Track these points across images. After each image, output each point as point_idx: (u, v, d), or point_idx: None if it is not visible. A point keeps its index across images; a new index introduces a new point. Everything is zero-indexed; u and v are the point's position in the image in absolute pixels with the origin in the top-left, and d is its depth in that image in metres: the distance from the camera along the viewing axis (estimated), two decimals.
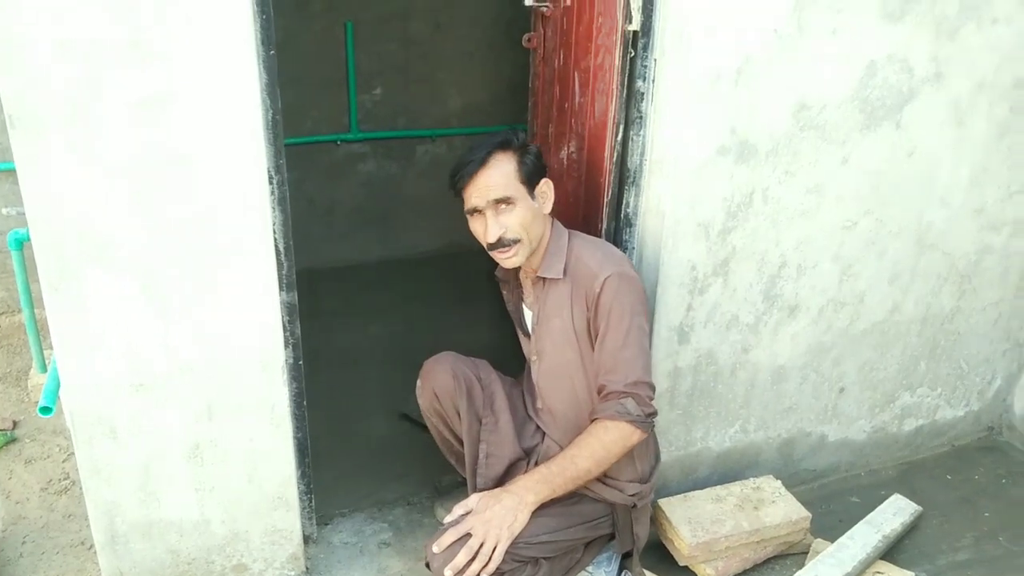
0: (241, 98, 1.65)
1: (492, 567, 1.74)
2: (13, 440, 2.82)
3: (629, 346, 1.83)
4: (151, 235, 1.68)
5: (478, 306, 3.57)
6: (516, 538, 1.79)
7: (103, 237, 1.65)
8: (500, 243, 1.88)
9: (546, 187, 1.96)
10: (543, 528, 1.86)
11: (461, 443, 2.14)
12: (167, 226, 1.69)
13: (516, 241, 1.88)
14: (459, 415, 2.11)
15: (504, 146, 1.90)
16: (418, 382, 2.19)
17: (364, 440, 2.80)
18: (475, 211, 1.90)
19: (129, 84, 1.56)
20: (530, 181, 1.91)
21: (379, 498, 2.50)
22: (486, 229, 1.89)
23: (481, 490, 2.05)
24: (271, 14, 1.69)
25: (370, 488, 2.55)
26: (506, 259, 1.91)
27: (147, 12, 1.53)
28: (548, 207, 1.98)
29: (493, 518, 1.77)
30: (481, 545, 1.74)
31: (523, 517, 1.79)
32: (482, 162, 1.87)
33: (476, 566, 1.73)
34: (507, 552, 1.77)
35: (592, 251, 1.94)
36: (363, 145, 4.14)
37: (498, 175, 1.87)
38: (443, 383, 2.11)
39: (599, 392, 1.87)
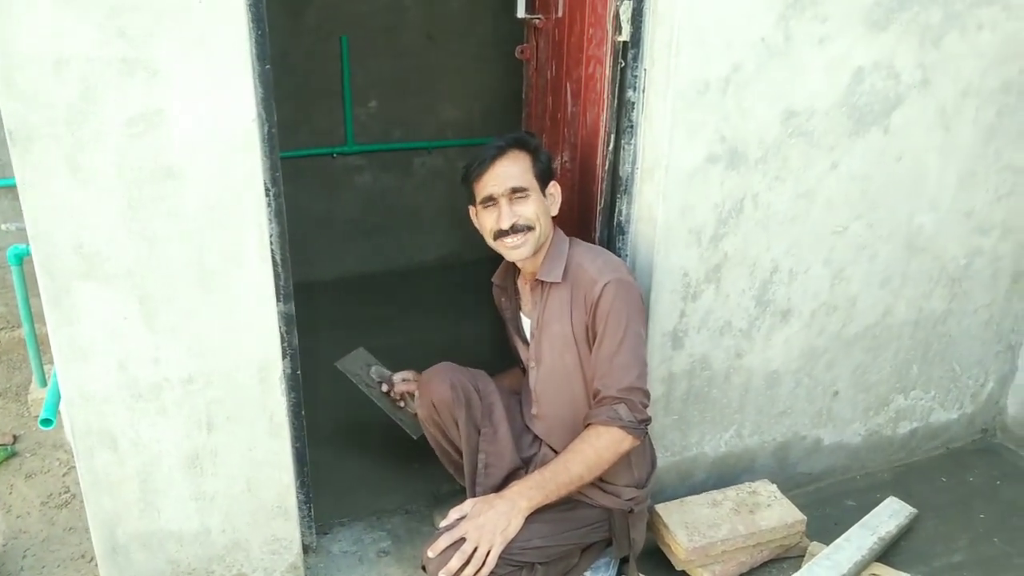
0: (237, 113, 1.68)
1: (485, 572, 1.76)
2: (13, 454, 2.83)
3: (623, 352, 1.86)
4: (149, 249, 1.70)
5: (477, 317, 3.58)
6: (510, 543, 1.81)
7: (101, 252, 1.67)
8: (513, 229, 1.91)
9: (555, 189, 2.02)
10: (537, 533, 1.88)
11: (460, 453, 2.16)
12: (164, 240, 1.71)
13: (529, 228, 1.92)
14: (457, 426, 2.12)
15: (520, 143, 1.97)
16: (416, 394, 2.20)
17: (362, 450, 2.82)
18: (489, 200, 1.94)
19: (124, 100, 1.58)
20: (542, 180, 1.97)
21: (378, 507, 2.52)
22: (499, 216, 1.92)
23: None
24: (266, 29, 1.72)
25: (369, 497, 2.56)
26: (515, 247, 1.93)
27: (141, 29, 1.55)
28: (556, 208, 2.03)
29: (487, 523, 1.79)
30: (475, 550, 1.76)
31: (516, 522, 1.81)
32: (500, 151, 1.93)
33: (469, 570, 1.75)
34: (501, 557, 1.79)
35: (592, 257, 1.97)
36: (359, 158, 4.17)
37: (515, 166, 1.93)
38: (441, 395, 2.12)
39: (594, 397, 1.89)
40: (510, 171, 1.92)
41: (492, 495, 1.89)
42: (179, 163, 1.66)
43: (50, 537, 2.44)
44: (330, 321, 3.78)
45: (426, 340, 3.53)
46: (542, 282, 1.99)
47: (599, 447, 1.85)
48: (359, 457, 2.78)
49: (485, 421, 2.12)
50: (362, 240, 4.31)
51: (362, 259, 4.32)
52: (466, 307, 3.77)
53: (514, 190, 1.91)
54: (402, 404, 2.41)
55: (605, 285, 1.87)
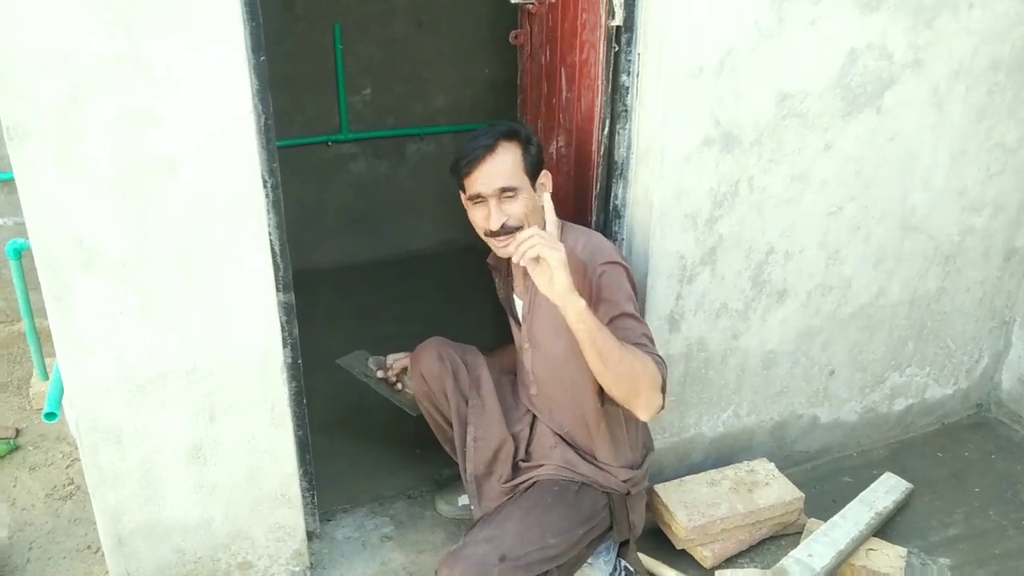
0: (232, 105, 1.68)
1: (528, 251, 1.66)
2: (16, 448, 2.84)
3: (620, 328, 1.82)
4: (148, 242, 1.71)
5: (472, 303, 3.59)
6: (525, 544, 1.80)
7: (99, 245, 1.67)
8: (503, 230, 1.90)
9: (545, 179, 1.99)
10: (550, 530, 1.88)
11: (452, 426, 2.19)
12: (161, 233, 1.72)
13: (518, 229, 1.89)
14: (447, 397, 2.16)
15: (510, 135, 1.92)
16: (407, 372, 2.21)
17: (363, 436, 2.83)
18: (478, 198, 1.92)
19: (118, 95, 1.59)
20: (532, 172, 1.93)
21: (380, 493, 2.54)
22: (489, 216, 1.90)
23: (472, 475, 2.10)
24: (261, 21, 1.72)
25: (371, 483, 2.58)
26: (504, 246, 1.92)
27: (135, 23, 1.55)
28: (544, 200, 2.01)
29: (557, 242, 1.68)
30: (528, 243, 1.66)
31: (563, 273, 1.64)
32: (489, 149, 1.88)
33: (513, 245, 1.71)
34: (521, 567, 1.76)
35: (584, 242, 1.96)
36: (353, 146, 4.17)
37: (504, 164, 1.88)
38: (430, 366, 2.17)
39: None
40: (499, 169, 1.89)
41: None
42: (175, 156, 1.67)
43: (55, 529, 2.45)
44: (327, 310, 3.78)
45: (423, 328, 3.51)
46: None
47: (647, 361, 1.72)
48: (360, 444, 2.79)
49: (472, 392, 2.15)
50: (357, 228, 4.31)
51: (357, 247, 4.31)
52: (463, 294, 3.78)
53: (503, 189, 1.89)
54: (400, 386, 2.43)
55: (596, 271, 1.86)
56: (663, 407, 1.76)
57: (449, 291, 3.97)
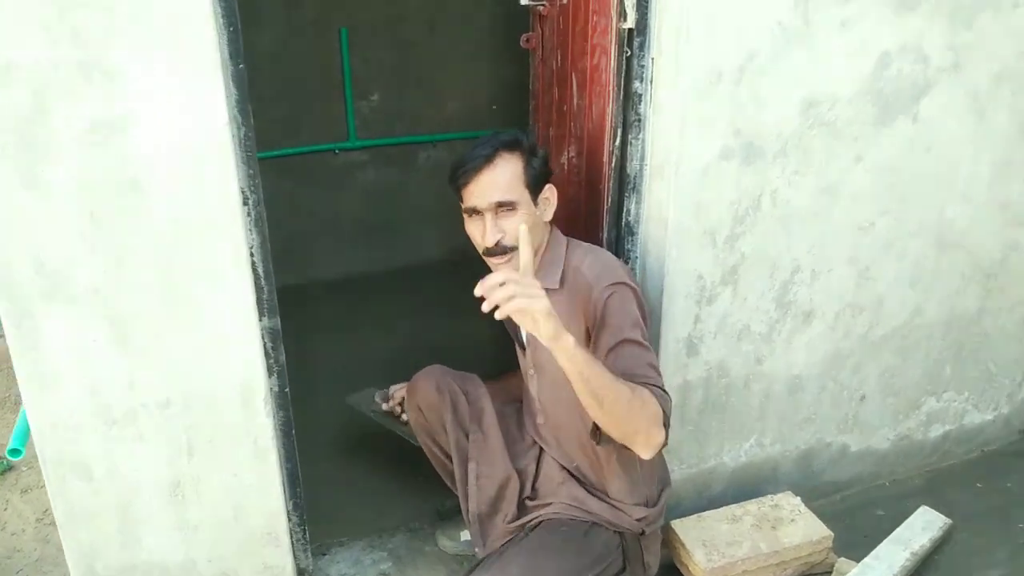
0: (207, 117, 1.55)
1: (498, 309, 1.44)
2: (9, 468, 2.75)
3: (623, 356, 1.66)
4: (116, 267, 1.58)
5: (488, 315, 3.46)
6: None
7: (63, 271, 1.55)
8: (498, 248, 1.77)
9: (549, 193, 1.85)
10: (557, 572, 1.76)
11: (451, 460, 2.06)
12: (132, 256, 1.59)
13: (514, 248, 1.76)
14: (446, 430, 2.03)
15: (511, 146, 1.78)
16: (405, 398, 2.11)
17: (364, 465, 2.70)
18: (474, 212, 1.79)
19: (80, 108, 1.46)
20: (535, 186, 1.79)
21: (379, 525, 2.40)
22: (484, 232, 1.77)
23: (475, 514, 1.96)
24: (239, 26, 1.59)
25: (370, 514, 2.45)
26: (500, 266, 1.77)
27: (96, 30, 1.42)
28: (549, 215, 1.87)
29: (536, 285, 1.45)
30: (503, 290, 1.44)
31: (551, 323, 1.43)
32: (487, 160, 1.75)
33: (479, 290, 1.44)
34: None
35: (590, 262, 1.81)
36: (362, 153, 4.05)
37: (503, 176, 1.75)
38: (427, 397, 2.05)
39: None
40: (497, 181, 1.75)
41: None
42: (145, 173, 1.54)
43: (43, 557, 2.36)
44: (335, 323, 3.68)
45: (434, 341, 3.41)
46: None
47: (646, 398, 1.56)
48: (362, 471, 2.66)
49: (473, 426, 2.02)
50: (366, 238, 4.19)
51: (367, 258, 4.20)
52: (476, 305, 3.63)
53: (500, 204, 1.75)
54: (404, 418, 2.30)
55: (602, 294, 1.71)
56: (665, 444, 1.62)
57: (463, 302, 3.82)
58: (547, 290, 1.77)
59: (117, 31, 1.44)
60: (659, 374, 1.67)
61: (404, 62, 3.94)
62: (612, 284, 1.73)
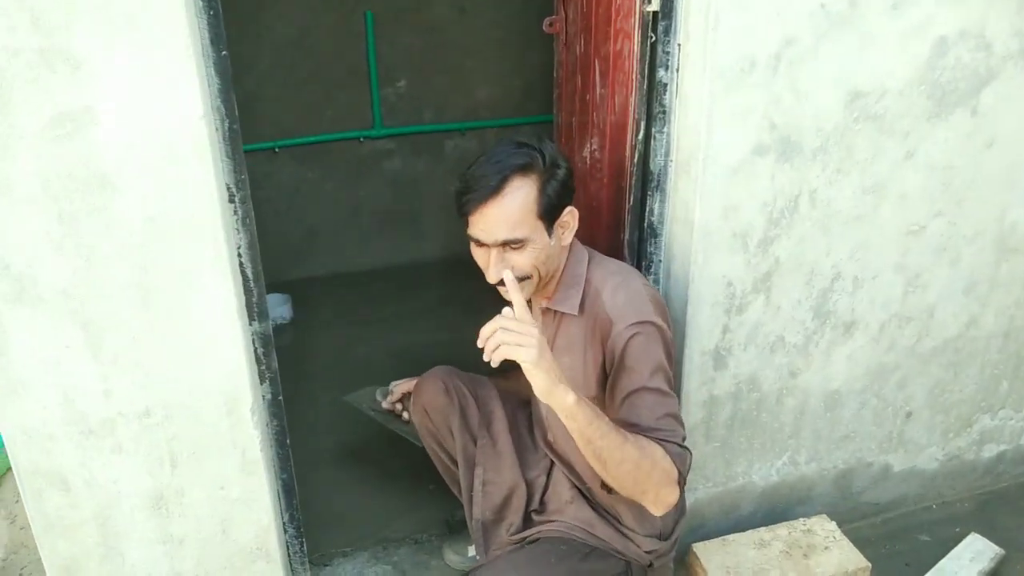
0: (182, 108, 1.42)
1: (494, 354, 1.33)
2: None
3: (639, 405, 1.51)
4: (87, 269, 1.47)
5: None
6: None
7: (30, 273, 1.45)
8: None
9: (569, 217, 1.62)
10: None
11: (457, 465, 1.94)
12: (104, 258, 1.47)
13: (524, 279, 1.58)
14: (452, 434, 1.92)
15: (525, 170, 1.54)
16: (410, 399, 2.00)
17: (373, 469, 2.59)
18: (479, 242, 1.59)
19: (43, 99, 1.34)
20: (550, 213, 1.56)
21: (384, 536, 2.29)
22: (488, 266, 1.58)
23: (479, 521, 1.84)
24: (219, 9, 1.46)
25: (376, 524, 2.33)
26: (506, 294, 1.56)
27: (58, 13, 1.31)
28: (568, 239, 1.65)
29: (529, 333, 1.33)
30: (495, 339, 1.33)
31: (547, 377, 1.33)
32: (495, 190, 1.52)
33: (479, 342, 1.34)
34: None
35: (615, 286, 1.61)
36: (388, 141, 3.92)
37: (512, 209, 1.52)
38: (434, 399, 1.94)
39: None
40: (505, 216, 1.52)
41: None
42: (115, 169, 1.42)
43: None
44: (358, 316, 3.58)
45: (455, 337, 3.28)
46: (554, 310, 1.70)
47: (658, 458, 1.43)
48: (369, 477, 2.55)
49: (482, 431, 1.89)
50: (392, 229, 4.07)
51: (393, 249, 4.08)
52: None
53: (507, 243, 1.55)
54: (406, 416, 2.17)
55: (624, 334, 1.54)
56: (678, 503, 1.50)
57: (491, 296, 3.69)
58: (565, 316, 1.65)
59: (80, 14, 1.31)
60: (680, 423, 1.52)
61: (432, 47, 3.79)
62: (637, 323, 1.54)
